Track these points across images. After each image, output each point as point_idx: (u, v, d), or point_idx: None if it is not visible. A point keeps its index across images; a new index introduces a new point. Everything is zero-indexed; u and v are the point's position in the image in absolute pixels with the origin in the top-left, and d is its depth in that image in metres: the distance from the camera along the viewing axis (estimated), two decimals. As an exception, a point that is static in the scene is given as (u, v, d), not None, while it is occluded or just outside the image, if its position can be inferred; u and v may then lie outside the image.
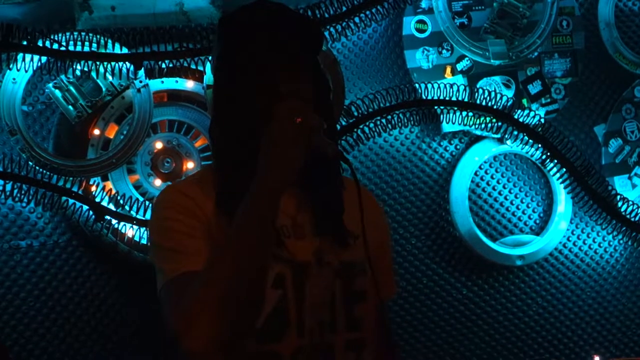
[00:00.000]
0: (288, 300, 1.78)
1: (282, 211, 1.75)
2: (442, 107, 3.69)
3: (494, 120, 3.75)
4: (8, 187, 3.26)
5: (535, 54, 3.91)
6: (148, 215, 3.37)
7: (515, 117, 3.76)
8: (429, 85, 3.68)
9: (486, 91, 3.73)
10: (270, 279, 1.75)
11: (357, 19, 3.59)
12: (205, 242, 1.77)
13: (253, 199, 1.69)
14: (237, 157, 1.82)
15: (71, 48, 3.29)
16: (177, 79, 3.54)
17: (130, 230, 3.38)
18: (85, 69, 3.33)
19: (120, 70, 3.34)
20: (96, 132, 3.47)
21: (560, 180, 3.84)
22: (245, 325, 1.71)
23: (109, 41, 3.36)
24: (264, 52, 1.79)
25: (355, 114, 3.61)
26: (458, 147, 3.87)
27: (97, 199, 3.35)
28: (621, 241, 3.99)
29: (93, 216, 3.34)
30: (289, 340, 1.78)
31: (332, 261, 1.83)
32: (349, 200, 1.85)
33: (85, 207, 3.33)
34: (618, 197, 3.91)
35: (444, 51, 3.79)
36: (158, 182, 3.53)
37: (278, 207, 1.71)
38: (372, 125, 3.63)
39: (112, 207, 3.37)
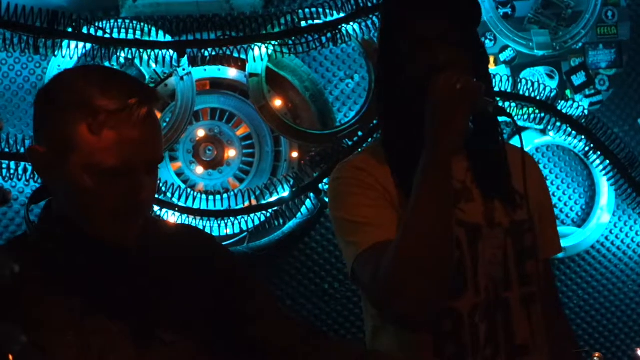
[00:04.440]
0: (465, 260, 1.90)
1: (452, 175, 1.86)
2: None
3: (537, 111, 3.72)
4: (52, 173, 3.29)
5: (580, 44, 3.87)
6: (189, 203, 3.40)
7: (559, 108, 3.72)
8: (472, 76, 3.66)
9: (529, 82, 3.70)
10: None
11: (399, 8, 3.57)
12: (389, 211, 1.88)
13: (427, 168, 1.80)
14: (403, 128, 1.92)
15: (115, 35, 3.32)
16: (220, 67, 3.55)
17: (172, 218, 3.40)
18: (129, 56, 3.35)
19: (164, 58, 3.36)
20: (139, 119, 3.49)
21: (604, 172, 3.80)
22: (444, 285, 1.82)
23: (153, 29, 3.37)
24: (423, 25, 1.89)
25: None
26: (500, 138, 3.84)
27: (140, 186, 3.36)
28: (664, 235, 3.95)
29: (135, 203, 3.35)
30: (467, 298, 1.89)
31: (502, 221, 1.95)
32: (512, 162, 1.97)
33: (127, 194, 3.35)
34: (662, 190, 3.86)
35: (487, 41, 3.75)
36: (200, 170, 3.55)
37: (451, 171, 1.82)
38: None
39: (154, 194, 3.39)
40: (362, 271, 1.87)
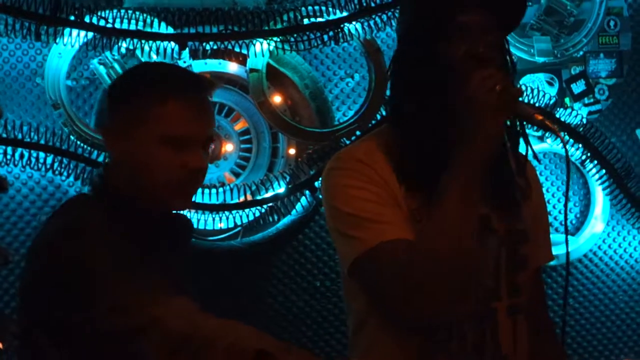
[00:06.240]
0: None
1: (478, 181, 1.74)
2: (483, 102, 3.66)
3: (535, 118, 3.72)
4: (49, 160, 3.29)
5: (581, 53, 3.87)
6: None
7: (557, 115, 3.73)
8: (472, 80, 3.65)
9: (529, 88, 3.70)
10: None
11: (403, 10, 3.57)
12: (392, 208, 1.78)
13: (459, 171, 1.68)
14: (430, 125, 1.78)
15: (117, 25, 3.31)
16: (221, 61, 3.55)
17: (166, 209, 3.39)
18: (131, 47, 3.35)
19: (165, 50, 3.36)
20: (138, 110, 3.49)
21: (599, 181, 3.81)
22: (465, 299, 1.73)
23: (155, 20, 3.37)
24: (464, 15, 1.74)
25: (396, 104, 3.60)
26: (497, 143, 3.84)
27: (136, 177, 3.37)
28: (657, 246, 3.95)
29: (131, 193, 3.36)
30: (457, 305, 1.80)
31: (498, 229, 1.87)
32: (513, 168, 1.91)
33: (123, 184, 3.35)
34: (657, 201, 3.86)
35: (489, 46, 3.76)
36: (196, 163, 3.55)
37: (479, 176, 1.69)
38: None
39: (150, 185, 3.39)
40: (367, 269, 1.77)
